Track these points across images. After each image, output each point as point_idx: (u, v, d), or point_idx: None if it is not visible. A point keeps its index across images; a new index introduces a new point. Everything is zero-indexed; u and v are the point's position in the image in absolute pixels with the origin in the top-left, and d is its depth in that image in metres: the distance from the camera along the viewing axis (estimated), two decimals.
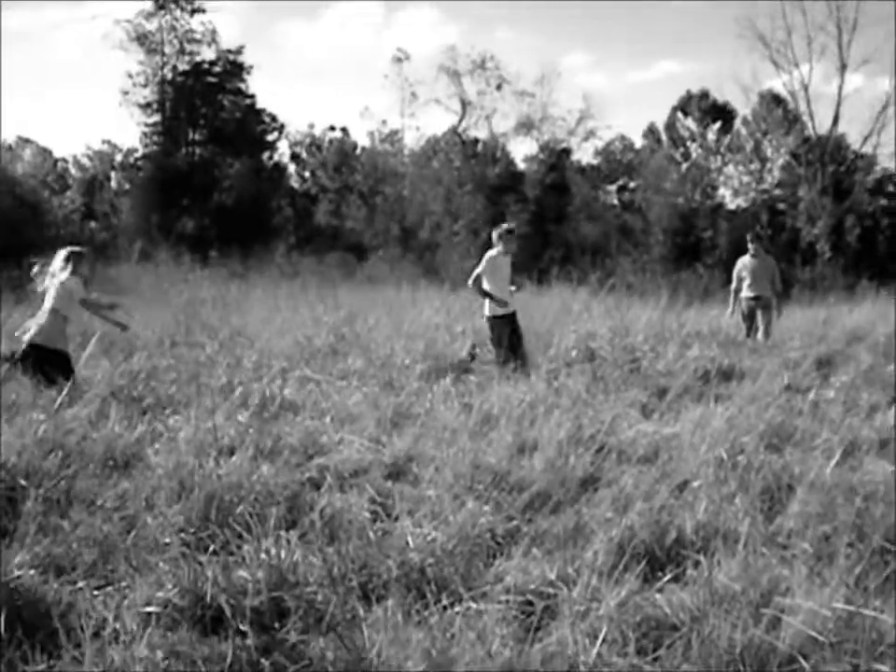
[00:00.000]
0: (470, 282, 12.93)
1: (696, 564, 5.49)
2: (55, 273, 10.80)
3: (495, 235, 13.02)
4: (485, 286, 12.79)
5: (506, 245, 12.92)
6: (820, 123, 49.46)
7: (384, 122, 57.59)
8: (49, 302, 10.69)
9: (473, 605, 4.86)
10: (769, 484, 7.01)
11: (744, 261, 15.52)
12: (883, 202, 48.77)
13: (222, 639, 4.62)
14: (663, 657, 4.48)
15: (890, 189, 50.64)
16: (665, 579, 5.28)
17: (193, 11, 50.11)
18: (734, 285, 15.51)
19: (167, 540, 5.70)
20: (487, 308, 12.96)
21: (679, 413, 9.48)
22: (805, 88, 48.89)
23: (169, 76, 50.59)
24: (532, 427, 8.50)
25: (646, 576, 5.34)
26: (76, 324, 11.08)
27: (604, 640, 4.47)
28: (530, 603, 4.98)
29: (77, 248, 11.27)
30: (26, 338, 10.52)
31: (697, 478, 7.15)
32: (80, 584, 5.12)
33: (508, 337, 12.59)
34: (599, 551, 5.56)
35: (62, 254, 10.96)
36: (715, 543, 5.70)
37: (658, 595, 5.10)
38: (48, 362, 10.11)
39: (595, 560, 5.46)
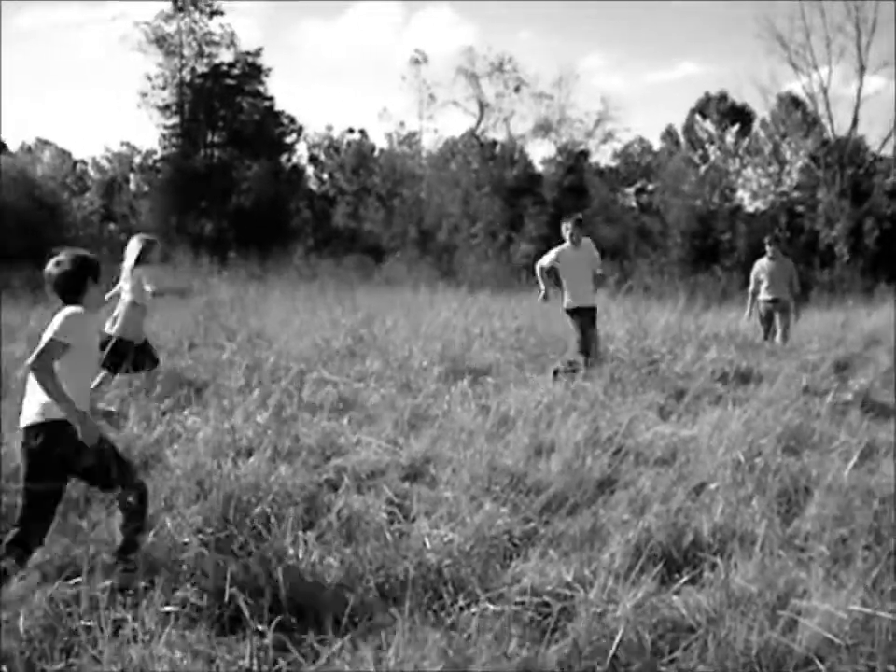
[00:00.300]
0: (537, 267, 12.93)
1: (713, 566, 5.50)
2: (128, 265, 11.07)
3: (563, 228, 12.93)
4: (540, 276, 12.84)
5: (572, 235, 12.79)
6: (839, 126, 49.31)
7: (402, 124, 57.64)
8: (126, 295, 10.97)
9: (490, 606, 4.87)
10: (786, 487, 7.02)
11: (761, 264, 15.44)
12: None
13: (240, 639, 4.65)
14: (679, 659, 4.49)
15: None
16: (682, 581, 5.29)
17: (212, 14, 50.18)
18: (751, 287, 15.42)
19: (186, 540, 5.73)
20: (564, 300, 12.83)
21: (697, 416, 9.49)
22: (824, 90, 48.73)
23: (188, 78, 50.65)
24: (549, 429, 8.51)
25: (663, 578, 5.36)
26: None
27: (620, 642, 4.48)
28: (547, 604, 5.00)
29: (147, 237, 11.48)
30: (110, 330, 10.78)
31: (714, 480, 7.16)
32: (99, 584, 5.15)
33: (584, 331, 12.42)
34: (616, 552, 5.58)
35: (133, 244, 11.20)
36: (732, 545, 5.72)
37: (675, 597, 5.12)
38: (123, 352, 10.39)
39: (612, 562, 5.48)
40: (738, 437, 8.24)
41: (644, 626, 4.72)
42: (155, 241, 11.39)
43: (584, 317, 12.53)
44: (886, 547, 5.63)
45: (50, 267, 5.59)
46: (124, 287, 11.03)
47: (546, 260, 12.78)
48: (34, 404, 5.40)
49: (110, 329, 10.80)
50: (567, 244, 12.78)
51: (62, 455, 5.32)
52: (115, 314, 10.97)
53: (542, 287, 12.81)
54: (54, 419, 5.29)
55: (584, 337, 12.36)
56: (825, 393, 10.85)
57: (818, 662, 4.35)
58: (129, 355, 10.38)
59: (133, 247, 11.06)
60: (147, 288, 10.77)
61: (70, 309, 5.46)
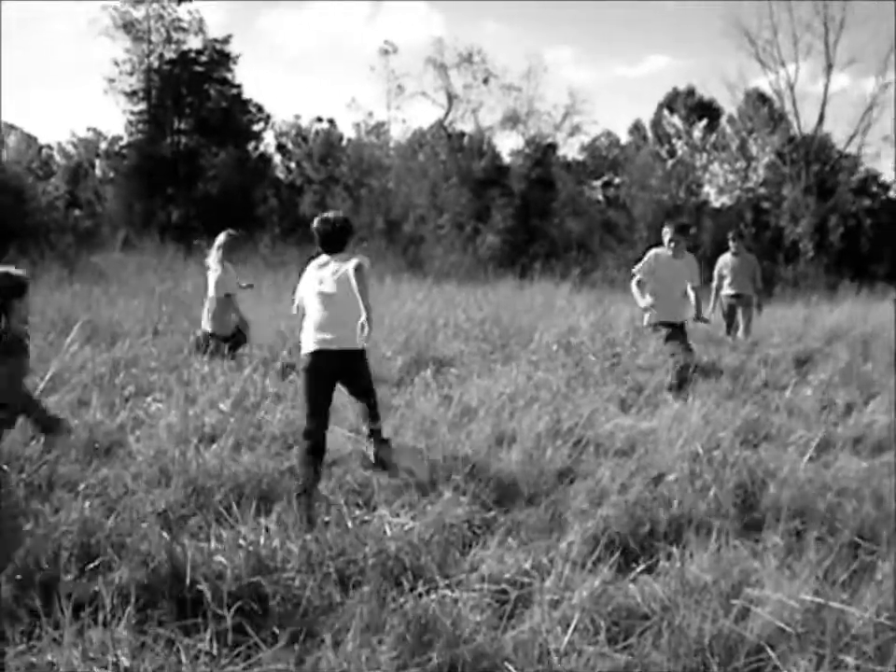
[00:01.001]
0: (632, 284, 10.86)
1: (669, 555, 5.57)
2: (214, 259, 11.74)
3: (664, 232, 11.25)
4: (636, 289, 10.81)
5: (671, 241, 11.08)
6: (806, 123, 49.60)
7: (370, 114, 57.43)
8: (211, 290, 11.63)
9: (448, 592, 4.92)
10: (743, 479, 7.09)
11: (725, 259, 15.49)
12: (866, 202, 48.90)
13: (200, 623, 4.68)
14: (633, 646, 4.55)
15: (874, 189, 50.82)
16: (638, 569, 5.35)
17: (180, 0, 49.95)
18: (714, 282, 15.45)
19: (147, 525, 5.75)
20: (645, 317, 11.10)
21: (657, 408, 9.55)
22: (791, 87, 49.01)
23: (155, 64, 50.32)
24: (511, 420, 8.56)
25: (619, 566, 5.42)
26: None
27: (576, 628, 4.54)
28: (505, 591, 5.05)
29: (233, 232, 12.05)
30: (206, 327, 11.64)
31: (672, 472, 7.23)
32: (61, 567, 5.17)
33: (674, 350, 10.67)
34: (574, 541, 5.64)
35: (220, 238, 11.81)
36: (688, 535, 5.78)
37: (631, 586, 5.18)
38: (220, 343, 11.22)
39: (570, 550, 5.54)
40: (697, 430, 8.32)
41: (600, 614, 4.78)
42: (239, 236, 12.13)
43: (674, 335, 10.86)
44: (838, 538, 5.72)
45: None
46: (210, 281, 11.63)
47: (641, 271, 10.81)
48: None
49: (205, 325, 11.61)
50: (664, 249, 11.15)
51: None
52: (205, 309, 11.70)
53: (643, 303, 10.60)
54: None
55: (677, 355, 10.53)
56: (784, 387, 10.96)
57: (769, 650, 4.42)
58: (222, 347, 11.16)
59: (220, 242, 11.70)
60: (228, 286, 11.57)
61: None
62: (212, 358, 10.82)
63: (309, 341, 7.37)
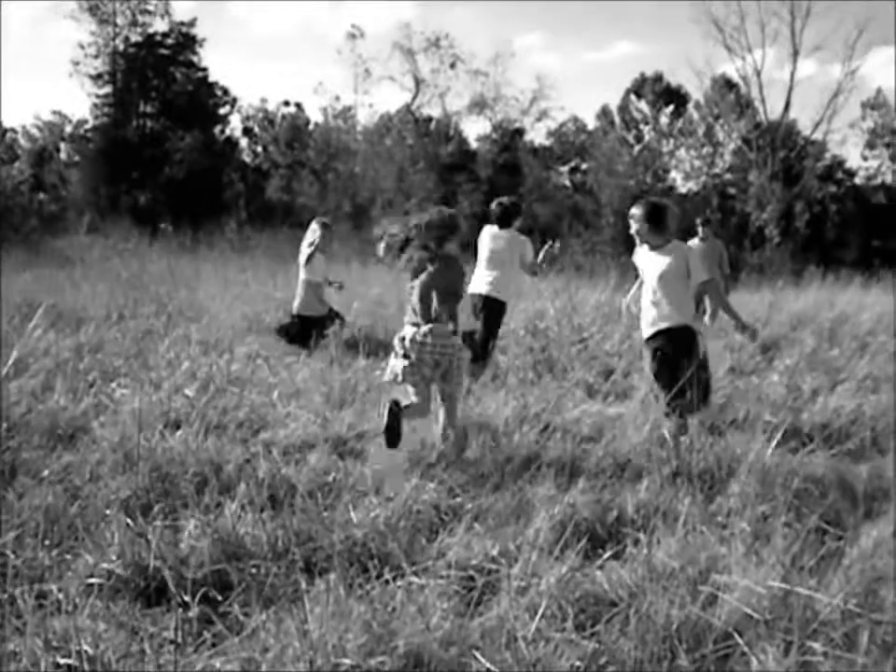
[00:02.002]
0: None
1: (636, 542, 5.55)
2: (307, 246, 12.07)
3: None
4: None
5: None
6: (772, 109, 49.94)
7: (337, 98, 57.37)
8: (302, 273, 12.01)
9: (415, 579, 4.89)
10: (710, 465, 7.10)
11: (693, 245, 15.49)
12: (832, 188, 49.24)
13: (165, 611, 4.64)
14: (601, 632, 4.53)
15: (839, 175, 51.11)
16: (606, 556, 5.33)
17: None
18: None
19: (111, 512, 5.70)
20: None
21: (625, 394, 9.56)
22: (758, 73, 49.26)
23: (121, 47, 50.07)
24: (478, 405, 8.55)
25: (587, 553, 5.40)
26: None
27: (543, 615, 4.52)
28: (472, 578, 5.03)
29: (325, 220, 12.43)
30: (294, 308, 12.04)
31: (640, 457, 7.23)
32: (23, 554, 5.12)
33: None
34: (541, 528, 5.62)
35: (313, 226, 12.15)
36: (655, 522, 5.77)
37: (598, 572, 5.17)
38: (307, 329, 11.57)
39: (537, 537, 5.51)
40: (664, 415, 8.34)
41: (567, 600, 4.76)
42: (331, 225, 12.42)
43: None
44: (805, 524, 5.71)
45: None
46: (302, 266, 11.98)
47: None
48: None
49: (296, 308, 12.03)
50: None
51: None
52: (297, 294, 12.11)
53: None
54: None
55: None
56: (751, 373, 11.00)
57: (736, 636, 4.41)
58: (314, 329, 11.44)
59: (313, 230, 12.04)
60: (306, 275, 11.94)
61: None
62: (293, 340, 11.51)
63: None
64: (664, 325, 7.83)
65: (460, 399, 7.73)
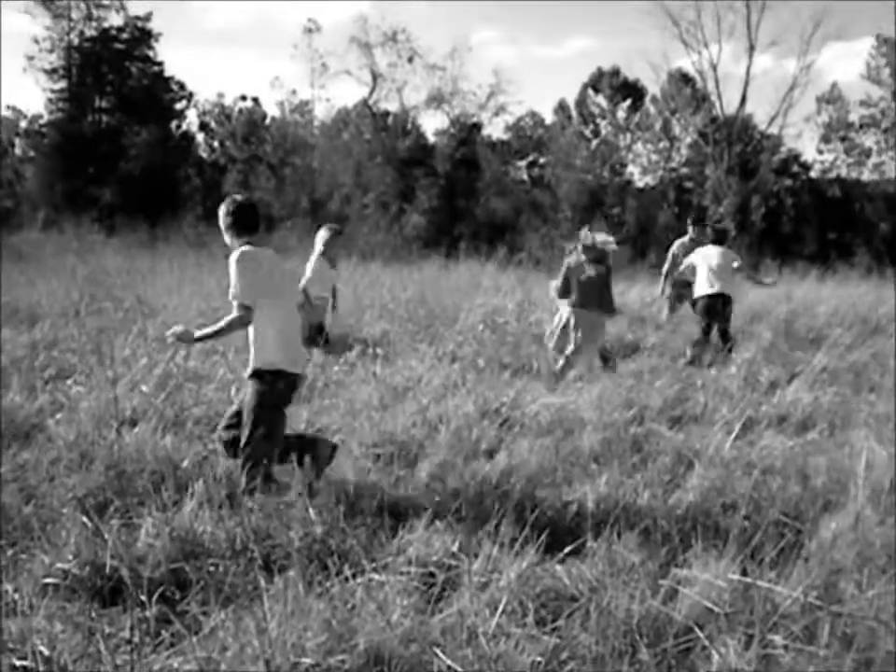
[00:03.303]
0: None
1: (597, 536, 5.54)
2: (315, 254, 11.65)
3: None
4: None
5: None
6: (728, 103, 50.11)
7: (294, 93, 57.16)
8: (303, 281, 11.38)
9: (375, 576, 4.86)
10: (669, 459, 7.12)
11: (682, 243, 15.24)
12: (788, 182, 49.48)
13: (121, 611, 4.59)
14: (561, 627, 4.52)
15: (795, 169, 51.41)
16: (566, 551, 5.31)
17: None
18: (666, 266, 15.05)
19: (67, 511, 5.64)
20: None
21: (583, 387, 9.57)
22: (714, 68, 49.44)
23: (76, 41, 49.68)
24: (438, 401, 8.53)
25: (547, 548, 5.38)
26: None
27: (503, 611, 4.51)
28: (432, 574, 5.01)
29: (334, 226, 12.00)
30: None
31: (599, 451, 7.24)
32: None
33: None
34: (501, 523, 5.60)
35: (321, 233, 11.72)
36: (615, 515, 5.76)
37: (558, 567, 5.16)
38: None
39: (497, 532, 5.49)
40: (623, 408, 8.35)
41: (527, 595, 4.75)
42: (340, 231, 11.99)
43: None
44: (765, 517, 5.73)
45: None
46: (307, 274, 11.48)
47: None
48: None
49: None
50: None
51: None
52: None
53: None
54: None
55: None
56: (709, 366, 11.05)
57: (697, 630, 4.42)
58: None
59: (321, 237, 11.62)
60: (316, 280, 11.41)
61: None
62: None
63: None
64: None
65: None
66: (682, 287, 14.27)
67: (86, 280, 16.13)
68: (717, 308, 12.56)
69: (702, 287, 12.76)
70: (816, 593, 4.68)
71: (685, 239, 15.06)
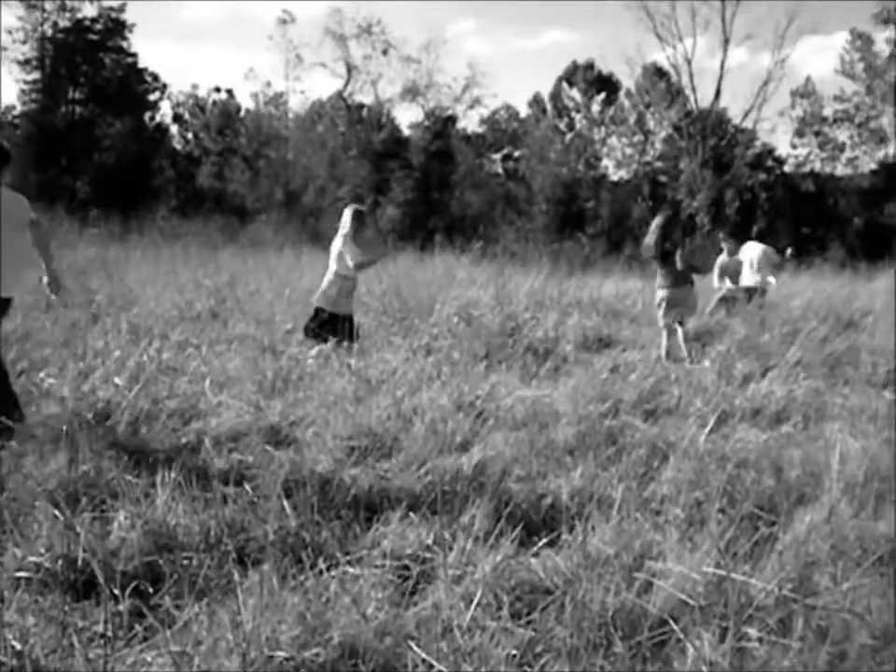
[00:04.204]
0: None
1: (571, 528, 5.53)
2: (340, 236, 11.33)
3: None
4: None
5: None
6: (703, 97, 50.36)
7: (268, 85, 57.07)
8: (333, 265, 11.28)
9: (350, 569, 4.85)
10: (644, 451, 7.13)
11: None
12: (762, 176, 49.69)
13: (95, 604, 4.57)
14: (536, 620, 4.51)
15: (769, 163, 51.61)
16: (541, 543, 5.32)
17: None
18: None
19: (39, 503, 5.61)
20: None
21: (558, 380, 9.57)
22: (689, 62, 49.63)
23: (49, 32, 49.49)
24: (413, 393, 8.52)
25: (521, 540, 5.37)
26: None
27: (478, 604, 4.50)
28: (407, 567, 5.00)
29: (359, 207, 11.76)
30: (318, 303, 11.30)
31: (573, 444, 7.24)
32: None
33: None
34: (476, 516, 5.59)
35: (346, 214, 11.41)
36: (590, 508, 5.76)
37: (533, 560, 5.15)
38: (332, 325, 10.86)
39: (472, 525, 5.49)
40: (597, 401, 8.36)
41: (502, 588, 4.74)
42: (365, 211, 11.71)
43: None
44: (739, 510, 5.74)
45: None
46: (332, 258, 11.32)
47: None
48: None
49: (318, 301, 11.29)
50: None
51: None
52: (322, 286, 11.31)
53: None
54: None
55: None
56: (684, 360, 11.07)
57: (672, 622, 4.41)
58: (342, 327, 10.81)
59: (346, 218, 11.32)
60: (349, 263, 11.08)
61: None
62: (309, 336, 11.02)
63: None
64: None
65: None
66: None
67: (59, 272, 16.04)
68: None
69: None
70: (790, 585, 4.69)
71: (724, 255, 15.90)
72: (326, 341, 10.46)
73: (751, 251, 15.24)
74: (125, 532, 5.20)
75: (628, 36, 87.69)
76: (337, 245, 11.30)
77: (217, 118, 60.08)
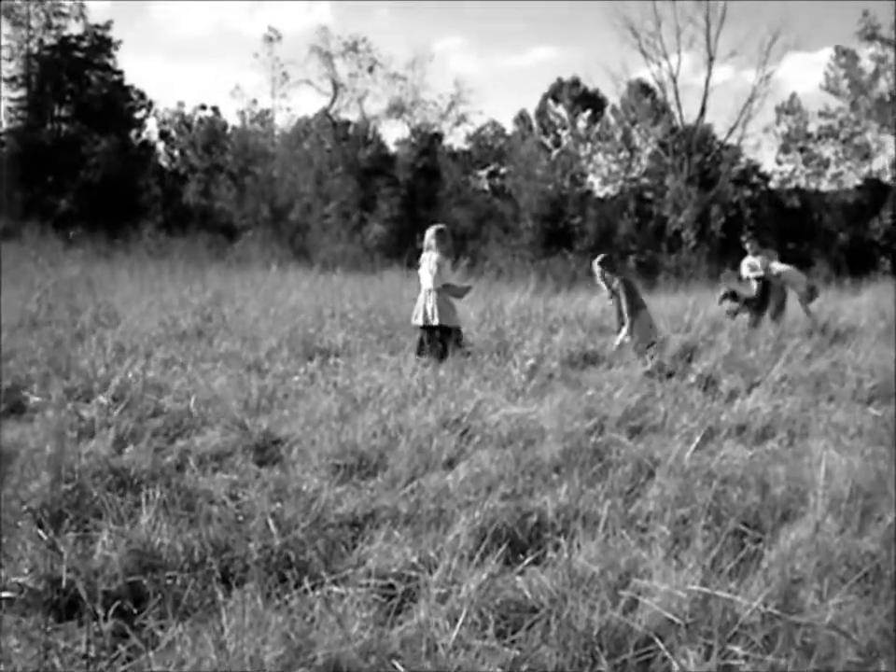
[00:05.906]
0: None
1: (557, 547, 5.53)
2: (427, 255, 11.73)
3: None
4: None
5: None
6: (688, 114, 50.50)
7: (254, 102, 57.02)
8: (426, 283, 11.62)
9: (334, 588, 4.84)
10: (629, 469, 7.12)
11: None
12: (747, 192, 49.83)
13: (78, 625, 4.54)
14: (521, 639, 4.50)
15: (754, 179, 51.78)
16: (526, 561, 5.31)
17: None
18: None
19: (22, 523, 5.58)
20: None
21: (544, 397, 9.56)
22: (674, 78, 49.79)
23: (35, 49, 49.50)
24: (398, 411, 8.51)
25: (507, 559, 5.37)
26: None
27: (463, 623, 4.48)
28: (391, 586, 4.98)
29: (440, 226, 12.04)
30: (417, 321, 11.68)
31: (559, 461, 7.23)
32: None
33: None
34: (461, 534, 5.58)
35: (429, 233, 11.85)
36: (575, 526, 5.75)
37: (518, 578, 5.14)
38: (446, 338, 11.34)
39: (457, 543, 5.47)
40: (583, 418, 8.35)
41: (487, 607, 4.73)
42: (445, 230, 11.98)
43: None
44: (725, 527, 5.73)
45: None
46: (423, 275, 11.68)
47: None
48: None
49: (417, 320, 11.65)
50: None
51: None
52: (420, 304, 11.66)
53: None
54: None
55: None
56: (669, 376, 11.07)
57: (657, 640, 4.41)
58: (452, 338, 11.34)
59: (430, 237, 11.77)
60: (438, 283, 11.53)
61: None
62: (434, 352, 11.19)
63: None
64: None
65: None
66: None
67: (44, 290, 16.01)
68: None
69: None
70: (775, 603, 4.68)
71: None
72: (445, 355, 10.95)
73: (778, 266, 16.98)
74: (109, 552, 5.17)
75: (613, 54, 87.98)
76: (426, 264, 11.68)
77: (203, 135, 60.01)
